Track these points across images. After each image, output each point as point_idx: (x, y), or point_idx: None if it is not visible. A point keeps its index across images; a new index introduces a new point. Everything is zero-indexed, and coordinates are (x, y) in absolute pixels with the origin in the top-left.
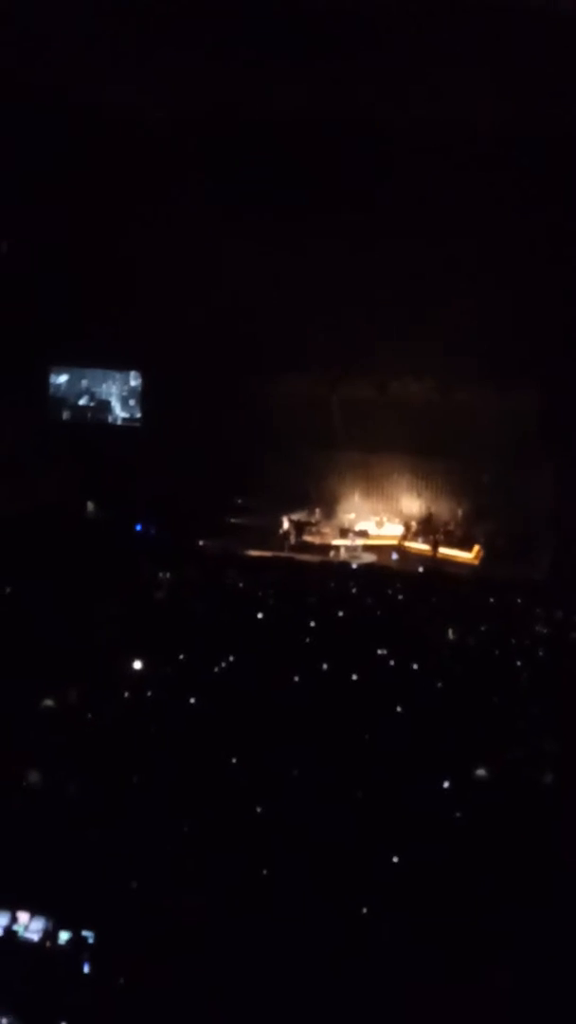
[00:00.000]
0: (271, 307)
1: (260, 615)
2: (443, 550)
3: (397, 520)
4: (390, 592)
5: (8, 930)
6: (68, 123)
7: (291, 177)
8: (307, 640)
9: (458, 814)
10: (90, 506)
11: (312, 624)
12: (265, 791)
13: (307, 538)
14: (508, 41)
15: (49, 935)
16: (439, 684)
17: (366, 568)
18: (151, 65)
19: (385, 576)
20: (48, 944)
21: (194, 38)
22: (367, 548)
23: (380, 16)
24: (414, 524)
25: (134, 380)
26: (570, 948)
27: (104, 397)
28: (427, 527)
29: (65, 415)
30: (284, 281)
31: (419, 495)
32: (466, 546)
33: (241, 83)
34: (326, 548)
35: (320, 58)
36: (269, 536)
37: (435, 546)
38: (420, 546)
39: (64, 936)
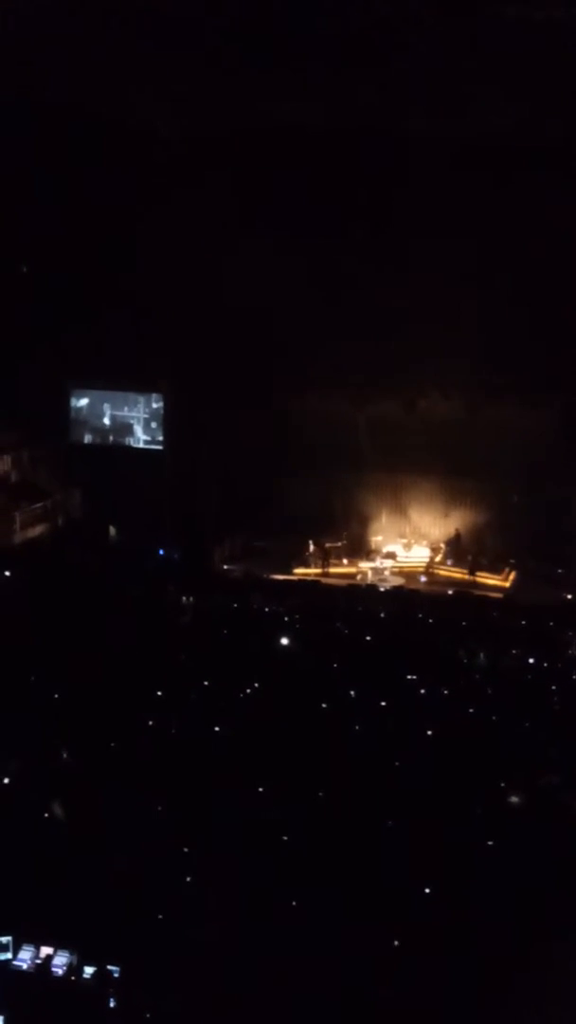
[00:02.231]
0: (296, 327)
1: (286, 640)
2: (471, 572)
3: (425, 542)
4: (419, 616)
5: (35, 964)
6: (89, 145)
7: (317, 195)
8: (335, 666)
9: (491, 842)
10: (112, 530)
11: (340, 649)
12: (293, 820)
13: (333, 561)
14: (527, 52)
15: (74, 969)
16: (470, 710)
17: (394, 591)
18: (171, 83)
19: (414, 600)
20: (73, 978)
21: (210, 52)
22: (395, 571)
23: (391, 26)
24: (443, 546)
25: (156, 403)
26: None
27: (126, 420)
28: (456, 549)
29: (87, 438)
30: (308, 301)
31: (448, 516)
32: (497, 568)
33: (264, 99)
34: (353, 571)
35: (345, 70)
36: (295, 559)
37: (473, 568)
38: (449, 569)
39: (89, 970)
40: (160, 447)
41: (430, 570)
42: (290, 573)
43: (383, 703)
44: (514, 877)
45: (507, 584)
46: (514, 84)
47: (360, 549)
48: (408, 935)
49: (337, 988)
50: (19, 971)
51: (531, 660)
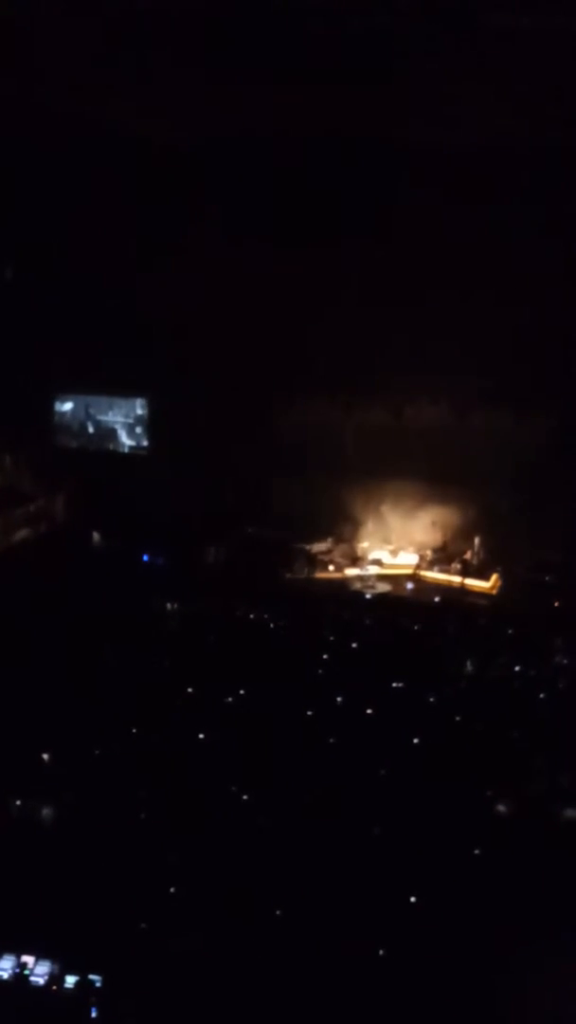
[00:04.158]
0: (282, 331)
1: (271, 647)
2: (458, 578)
3: (412, 549)
4: (405, 623)
5: (16, 973)
6: (75, 151)
7: (301, 202)
8: (320, 672)
9: (477, 851)
10: (96, 536)
11: (325, 656)
12: (278, 828)
13: (319, 567)
14: (524, 61)
15: (56, 979)
16: (457, 717)
17: (380, 598)
18: (160, 92)
19: (400, 606)
20: (55, 988)
21: (204, 63)
22: (381, 577)
23: (387, 37)
24: (429, 553)
25: (140, 407)
26: None
27: (111, 425)
28: (443, 555)
29: (71, 443)
30: (295, 305)
31: (435, 523)
32: (484, 575)
33: (247, 109)
34: (339, 578)
35: (333, 82)
36: (281, 565)
37: (464, 574)
38: (436, 575)
39: (71, 980)
40: (145, 452)
41: (417, 576)
42: (276, 579)
43: (369, 711)
44: (501, 885)
45: (494, 591)
46: (509, 92)
47: (347, 555)
48: (395, 943)
49: (323, 998)
50: (0, 980)
51: (518, 668)
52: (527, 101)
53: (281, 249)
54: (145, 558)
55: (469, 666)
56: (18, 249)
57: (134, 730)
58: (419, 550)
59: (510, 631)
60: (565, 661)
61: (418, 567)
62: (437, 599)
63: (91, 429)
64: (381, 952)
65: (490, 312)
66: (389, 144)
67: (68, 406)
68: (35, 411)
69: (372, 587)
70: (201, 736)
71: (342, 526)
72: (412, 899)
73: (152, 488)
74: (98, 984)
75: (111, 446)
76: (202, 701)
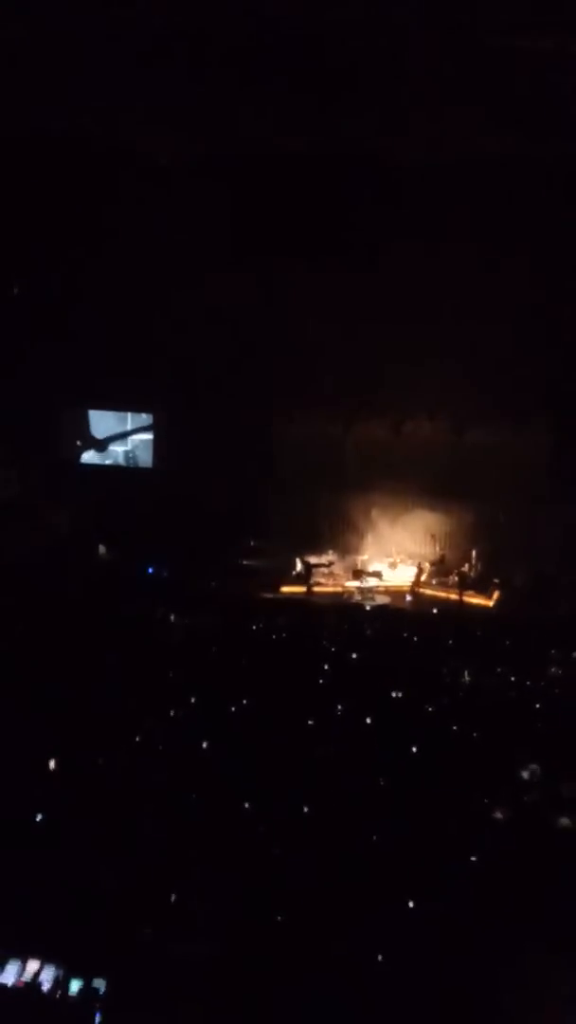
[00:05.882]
0: (283, 347)
1: (273, 658)
2: (456, 591)
3: (411, 562)
4: (405, 634)
5: (19, 979)
6: (81, 168)
7: (303, 216)
8: (321, 683)
9: (474, 858)
10: (101, 549)
11: (326, 667)
12: (279, 837)
13: (320, 580)
14: (519, 80)
15: (60, 984)
16: (455, 727)
17: (380, 610)
18: (165, 109)
19: (399, 618)
20: (59, 994)
21: (201, 77)
22: (381, 590)
23: (385, 53)
24: (428, 566)
25: (145, 422)
26: None
27: (116, 438)
28: (441, 569)
29: (76, 456)
30: (296, 321)
31: (434, 536)
32: (481, 588)
33: (248, 124)
34: (339, 590)
35: (327, 96)
36: (282, 578)
37: (462, 587)
38: (434, 588)
39: (75, 985)
40: (149, 465)
41: (416, 589)
42: (277, 591)
43: (368, 720)
44: (497, 890)
45: (492, 603)
46: (504, 112)
47: (347, 568)
48: (393, 948)
49: (324, 1001)
50: (3, 986)
51: (514, 678)
52: (525, 120)
53: (284, 265)
54: (149, 571)
55: (467, 677)
56: (26, 262)
57: (137, 739)
58: (418, 563)
59: (507, 643)
60: (561, 672)
61: (416, 580)
62: (435, 611)
63: (96, 443)
64: (379, 957)
65: (488, 328)
66: (389, 161)
67: (74, 419)
68: (41, 424)
69: (372, 599)
70: (204, 745)
71: (342, 539)
72: (410, 904)
73: (156, 501)
74: (102, 990)
75: (116, 460)
76: (205, 711)
